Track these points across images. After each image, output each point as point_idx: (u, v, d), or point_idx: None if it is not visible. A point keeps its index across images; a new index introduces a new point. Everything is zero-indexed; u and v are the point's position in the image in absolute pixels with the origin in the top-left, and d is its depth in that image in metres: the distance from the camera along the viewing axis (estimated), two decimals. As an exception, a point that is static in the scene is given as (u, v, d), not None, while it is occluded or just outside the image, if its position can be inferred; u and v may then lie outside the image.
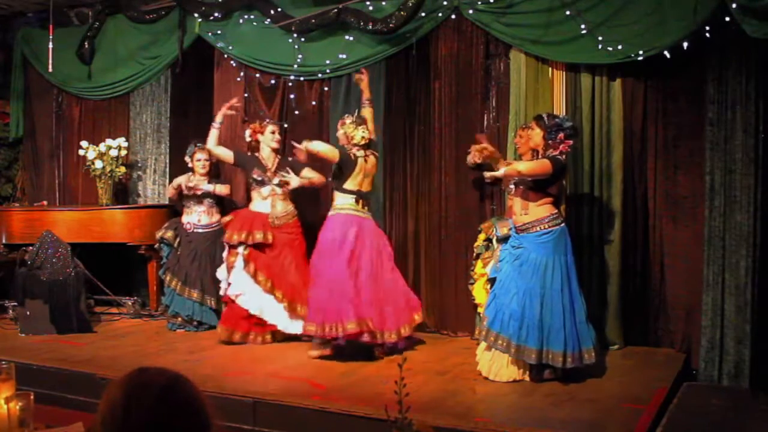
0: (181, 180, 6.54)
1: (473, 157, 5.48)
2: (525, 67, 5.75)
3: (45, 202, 7.83)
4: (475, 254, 5.70)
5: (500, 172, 4.67)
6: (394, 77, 6.39)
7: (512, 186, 4.89)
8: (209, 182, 6.51)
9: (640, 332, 5.66)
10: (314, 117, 6.67)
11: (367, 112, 5.61)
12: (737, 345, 5.01)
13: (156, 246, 6.76)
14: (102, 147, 7.29)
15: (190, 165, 6.57)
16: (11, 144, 8.39)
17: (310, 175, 5.98)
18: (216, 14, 6.88)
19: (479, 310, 5.38)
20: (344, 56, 6.39)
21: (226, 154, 6.19)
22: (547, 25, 5.62)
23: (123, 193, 7.68)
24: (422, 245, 6.36)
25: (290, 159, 6.03)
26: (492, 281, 5.03)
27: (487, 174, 4.87)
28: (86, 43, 7.59)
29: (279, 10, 6.60)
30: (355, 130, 5.39)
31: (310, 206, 6.43)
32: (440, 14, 6.05)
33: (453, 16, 6.06)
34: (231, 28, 6.90)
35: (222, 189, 6.53)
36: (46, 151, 8.22)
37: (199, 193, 6.45)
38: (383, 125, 6.24)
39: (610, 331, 5.56)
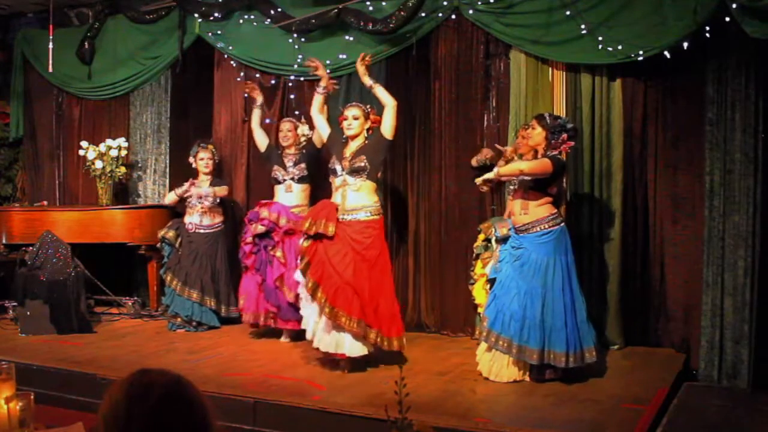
0: (178, 191, 6.55)
1: (484, 155, 5.49)
2: (525, 67, 5.75)
3: (45, 202, 7.83)
4: (474, 254, 5.70)
5: (492, 173, 4.67)
6: (394, 77, 6.38)
7: (512, 186, 4.89)
8: (211, 183, 6.52)
9: (640, 332, 5.66)
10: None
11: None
12: (736, 345, 5.01)
13: (158, 245, 6.77)
14: (102, 147, 7.30)
15: (193, 165, 6.58)
16: (11, 144, 8.39)
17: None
18: (216, 14, 6.88)
19: (479, 310, 5.38)
20: (344, 56, 6.39)
21: (324, 129, 5.45)
22: (547, 25, 5.61)
23: (123, 193, 7.68)
24: (422, 245, 6.36)
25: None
26: (492, 282, 5.03)
27: (478, 180, 4.82)
28: (86, 43, 7.60)
29: (279, 10, 6.60)
30: None
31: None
32: (440, 14, 6.05)
33: (453, 16, 6.06)
34: (231, 28, 6.90)
35: (221, 191, 6.53)
36: (46, 151, 8.22)
37: (200, 195, 6.45)
38: (383, 125, 6.25)
39: (610, 331, 5.56)
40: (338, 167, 5.12)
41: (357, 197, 5.03)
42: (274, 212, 5.94)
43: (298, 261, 5.07)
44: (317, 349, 4.95)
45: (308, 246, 4.95)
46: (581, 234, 5.54)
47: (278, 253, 5.84)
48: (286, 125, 6.17)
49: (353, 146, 5.12)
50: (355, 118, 5.10)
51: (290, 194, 6.07)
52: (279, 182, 6.12)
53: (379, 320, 4.90)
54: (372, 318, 4.87)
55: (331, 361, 4.98)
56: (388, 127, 5.10)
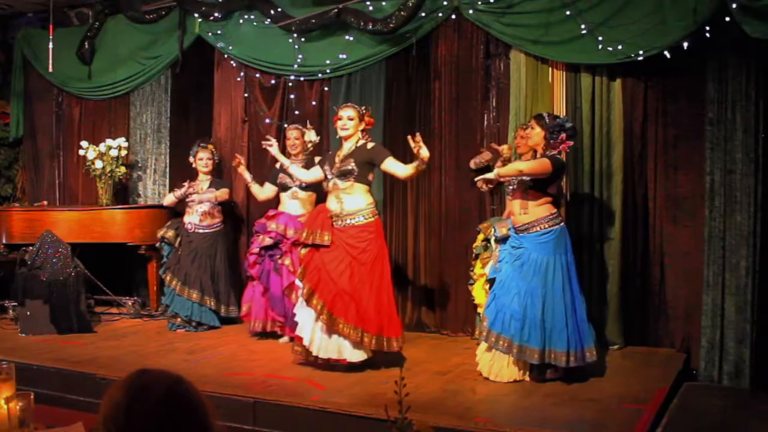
0: (178, 193, 6.54)
1: (483, 158, 5.47)
2: (525, 67, 5.75)
3: (45, 202, 7.83)
4: (474, 254, 5.70)
5: (492, 173, 4.66)
6: (394, 77, 6.39)
7: (511, 186, 4.89)
8: (210, 185, 6.52)
9: (640, 332, 5.66)
10: (314, 117, 6.66)
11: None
12: (737, 345, 5.01)
13: (157, 245, 6.77)
14: (102, 147, 7.29)
15: (193, 165, 6.58)
16: (11, 144, 8.39)
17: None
18: (216, 14, 6.88)
19: (479, 310, 5.38)
20: (344, 56, 6.40)
21: (316, 176, 5.35)
22: (547, 25, 5.62)
23: (123, 193, 7.68)
24: (422, 245, 6.36)
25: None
26: (491, 282, 5.03)
27: (478, 178, 4.78)
28: (86, 43, 7.60)
29: (279, 10, 6.60)
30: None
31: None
32: (440, 14, 6.05)
33: (453, 16, 6.06)
34: (231, 28, 6.90)
35: (222, 194, 6.53)
36: (46, 151, 8.22)
37: (201, 200, 6.46)
38: (383, 125, 6.25)
39: (610, 331, 5.56)
40: (329, 172, 5.11)
41: (350, 201, 4.98)
42: (281, 224, 5.93)
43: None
44: (316, 356, 4.91)
45: (306, 253, 5.01)
46: (581, 234, 5.55)
47: (287, 261, 5.79)
48: (293, 133, 6.09)
49: (345, 149, 5.06)
50: (350, 119, 5.06)
51: (295, 201, 6.03)
52: (285, 189, 6.10)
53: (375, 323, 4.86)
54: (368, 323, 4.83)
55: (331, 364, 4.97)
56: (389, 167, 4.97)
